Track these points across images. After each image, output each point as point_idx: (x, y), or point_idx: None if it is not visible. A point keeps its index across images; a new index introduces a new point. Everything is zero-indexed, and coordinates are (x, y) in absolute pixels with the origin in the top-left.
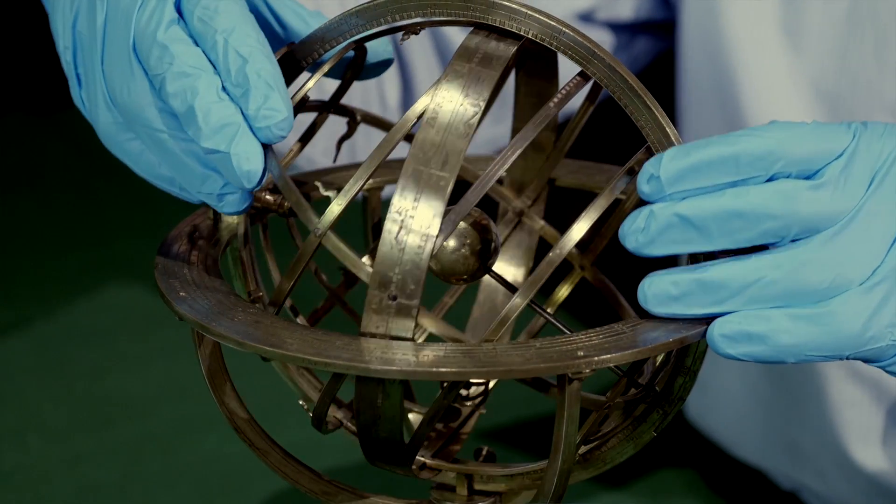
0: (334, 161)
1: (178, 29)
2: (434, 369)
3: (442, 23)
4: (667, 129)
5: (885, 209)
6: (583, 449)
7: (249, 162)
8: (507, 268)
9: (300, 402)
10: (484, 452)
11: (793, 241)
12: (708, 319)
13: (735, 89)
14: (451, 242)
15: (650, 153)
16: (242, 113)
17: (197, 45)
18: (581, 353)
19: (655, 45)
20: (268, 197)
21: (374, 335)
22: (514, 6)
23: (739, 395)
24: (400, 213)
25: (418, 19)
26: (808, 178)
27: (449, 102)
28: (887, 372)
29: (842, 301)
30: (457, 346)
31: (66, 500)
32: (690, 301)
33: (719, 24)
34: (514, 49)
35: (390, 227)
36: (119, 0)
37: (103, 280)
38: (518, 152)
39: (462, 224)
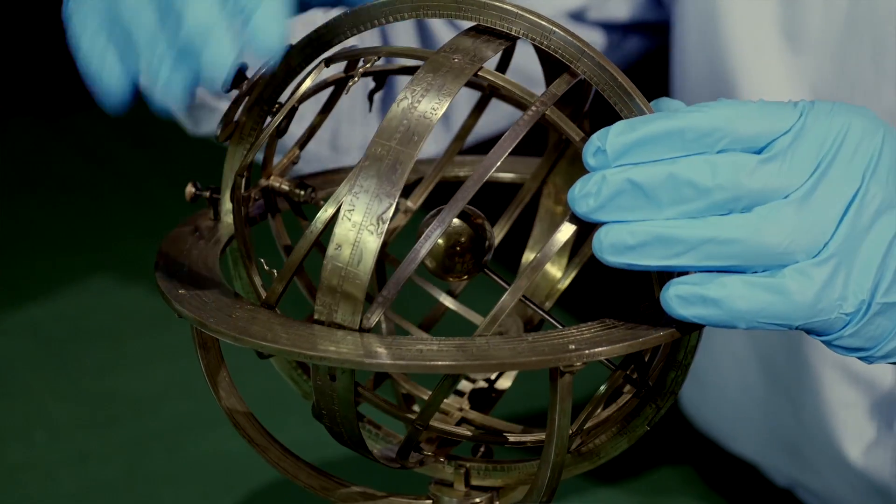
0: (370, 110)
1: None
2: (428, 363)
3: (408, 56)
4: None
5: (835, 184)
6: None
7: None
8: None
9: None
10: (482, 449)
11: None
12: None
13: (733, 92)
14: (446, 240)
15: None
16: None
17: None
18: (572, 347)
19: (646, 45)
20: (284, 186)
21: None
22: (505, 7)
23: (735, 390)
24: (361, 186)
25: (411, 18)
26: (755, 153)
27: (416, 101)
28: (831, 347)
29: (796, 271)
30: (450, 341)
31: (72, 497)
32: (646, 252)
33: (718, 25)
34: (501, 50)
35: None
36: None
37: (108, 280)
38: (508, 150)
39: (456, 222)
